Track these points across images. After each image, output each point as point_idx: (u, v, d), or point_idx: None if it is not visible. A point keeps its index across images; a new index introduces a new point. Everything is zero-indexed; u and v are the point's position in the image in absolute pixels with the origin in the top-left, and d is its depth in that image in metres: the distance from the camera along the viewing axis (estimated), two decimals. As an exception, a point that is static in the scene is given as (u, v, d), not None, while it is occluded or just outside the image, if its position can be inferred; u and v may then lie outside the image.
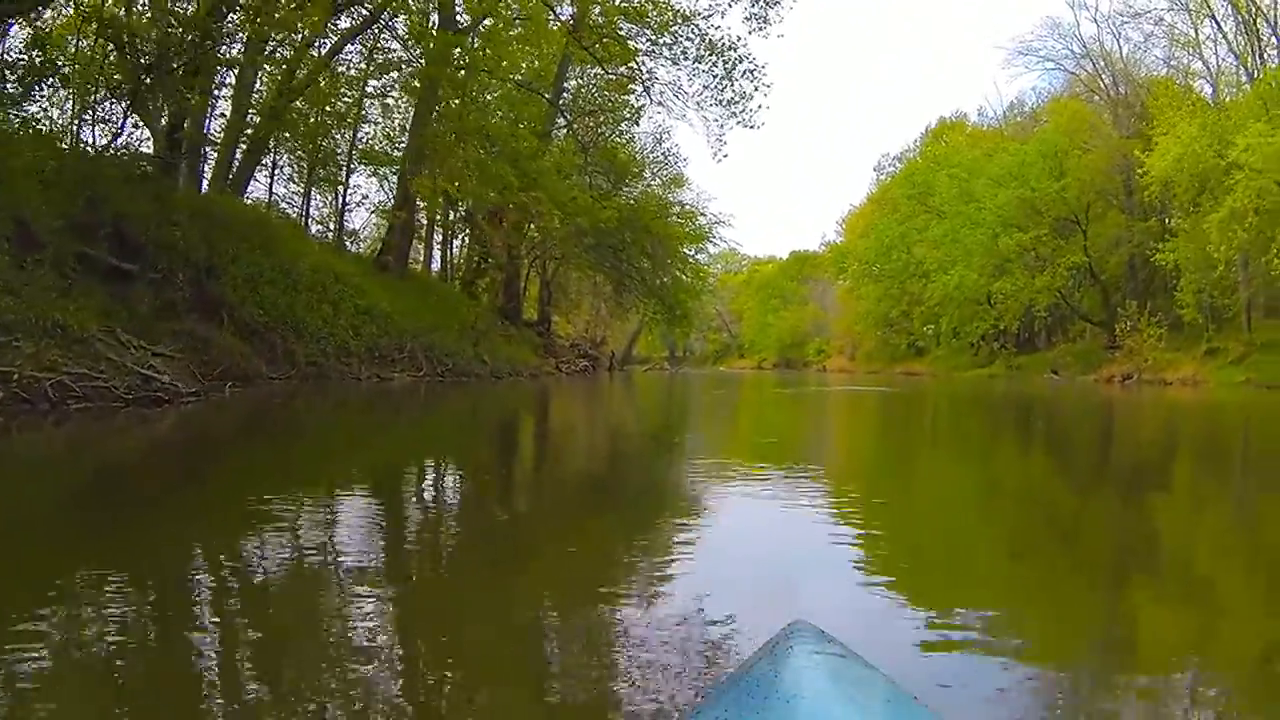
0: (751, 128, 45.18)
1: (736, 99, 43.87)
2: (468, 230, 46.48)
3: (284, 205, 40.81)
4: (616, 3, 41.01)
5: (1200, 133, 44.41)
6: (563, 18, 40.37)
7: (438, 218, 43.84)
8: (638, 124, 53.76)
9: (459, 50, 34.88)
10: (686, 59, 43.27)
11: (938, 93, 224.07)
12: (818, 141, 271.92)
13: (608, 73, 43.45)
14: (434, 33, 32.35)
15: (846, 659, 2.16)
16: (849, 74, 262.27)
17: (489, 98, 42.78)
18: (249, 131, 31.18)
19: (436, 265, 48.58)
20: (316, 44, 32.46)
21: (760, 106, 44.03)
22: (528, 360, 38.49)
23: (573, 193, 40.70)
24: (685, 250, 59.44)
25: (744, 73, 43.07)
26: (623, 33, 41.79)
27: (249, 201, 34.41)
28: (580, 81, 50.15)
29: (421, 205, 40.26)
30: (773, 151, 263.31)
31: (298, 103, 32.25)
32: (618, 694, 3.49)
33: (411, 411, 20.01)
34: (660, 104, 47.29)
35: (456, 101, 37.05)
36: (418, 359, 28.59)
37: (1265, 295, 50.84)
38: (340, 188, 42.13)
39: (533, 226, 49.50)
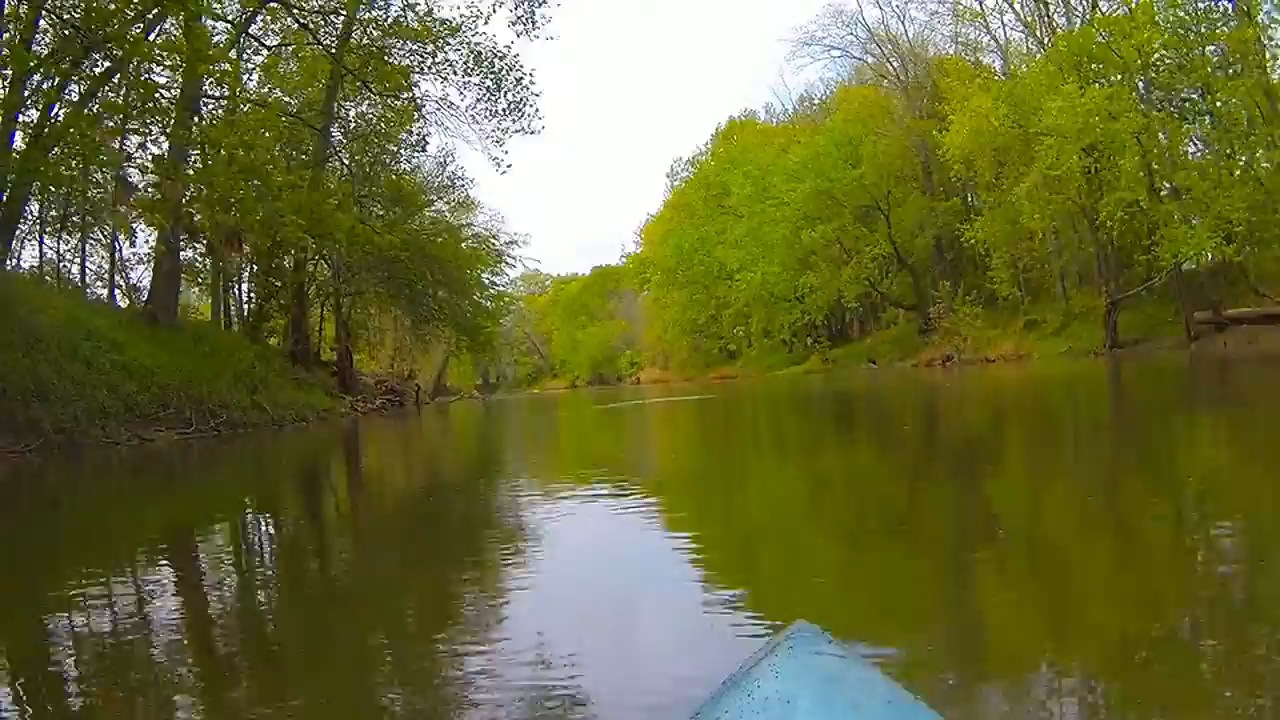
0: (532, 133, 43.69)
1: (511, 109, 42.52)
2: (249, 269, 43.93)
3: (64, 263, 38.62)
4: (373, 14, 39.15)
5: (995, 104, 44.48)
6: (325, 42, 38.61)
7: (220, 263, 41.11)
8: (423, 150, 51.97)
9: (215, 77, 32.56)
10: (455, 73, 41.67)
11: (726, 94, 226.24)
12: (610, 155, 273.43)
13: (374, 93, 41.30)
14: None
15: (847, 660, 2.17)
16: (633, 84, 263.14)
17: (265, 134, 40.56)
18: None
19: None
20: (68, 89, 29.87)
21: (536, 111, 42.61)
22: (318, 403, 35.88)
23: (350, 223, 38.53)
24: (482, 274, 58.81)
25: (514, 81, 41.65)
26: (389, 50, 40.01)
27: (24, 264, 32.73)
28: (359, 108, 47.80)
29: (197, 251, 38.03)
30: (566, 169, 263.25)
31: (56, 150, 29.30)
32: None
33: (181, 472, 17.64)
34: (436, 123, 45.97)
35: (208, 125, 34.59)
36: (185, 414, 25.90)
37: (1078, 263, 51.41)
38: (113, 240, 39.43)
39: (321, 263, 47.65)
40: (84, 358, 23.77)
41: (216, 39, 34.20)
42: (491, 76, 41.48)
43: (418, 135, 47.60)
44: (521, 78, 41.83)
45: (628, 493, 9.79)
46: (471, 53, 40.98)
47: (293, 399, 33.59)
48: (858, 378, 46.89)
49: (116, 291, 38.90)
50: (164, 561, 7.72)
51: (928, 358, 55.20)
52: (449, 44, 40.37)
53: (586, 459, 16.29)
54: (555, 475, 13.33)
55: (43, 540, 9.30)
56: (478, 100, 42.70)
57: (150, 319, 31.64)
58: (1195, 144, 45.19)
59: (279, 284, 42.41)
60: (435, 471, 16.02)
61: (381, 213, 48.91)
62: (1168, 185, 42.24)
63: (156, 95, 30.52)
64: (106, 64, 29.06)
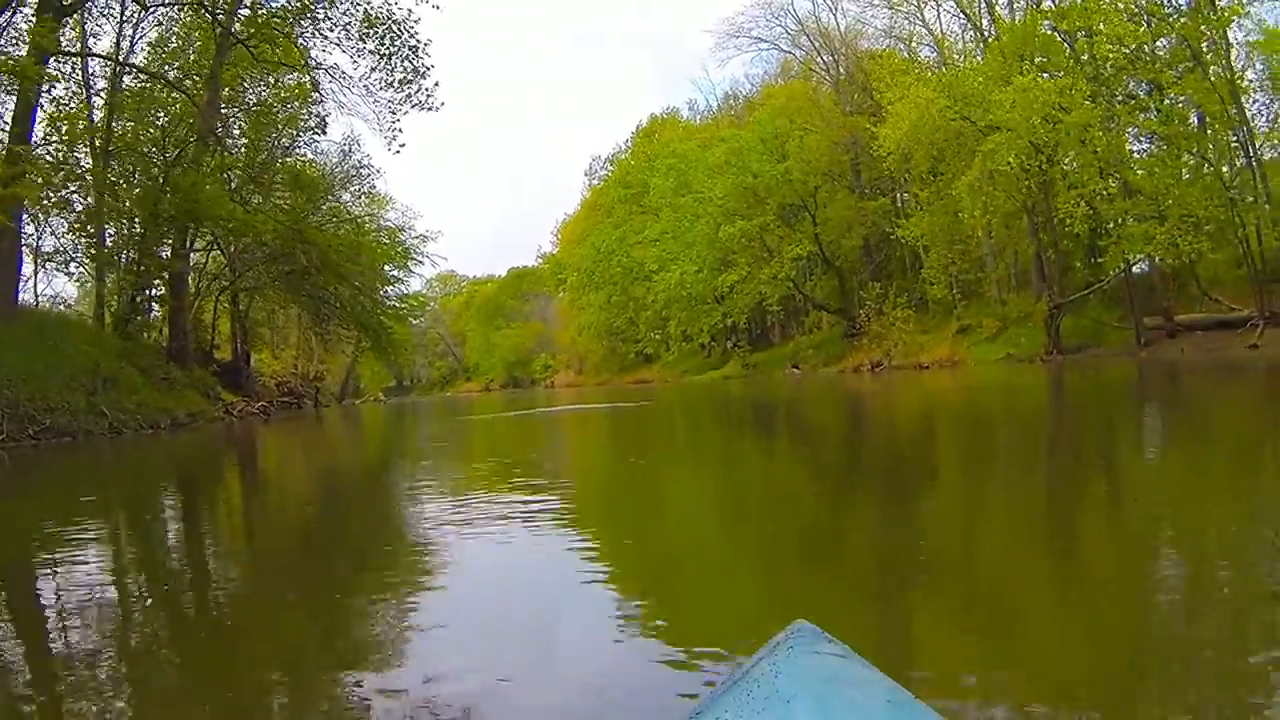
0: (429, 109, 41.09)
1: (408, 79, 39.88)
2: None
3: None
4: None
5: (936, 95, 42.60)
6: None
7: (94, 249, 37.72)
8: (323, 133, 49.55)
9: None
10: (349, 39, 39.10)
11: (650, 90, 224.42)
12: (528, 156, 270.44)
13: (258, 60, 38.14)
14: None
15: (847, 659, 2.16)
16: (556, 80, 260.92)
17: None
18: None
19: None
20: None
21: (436, 84, 40.06)
22: (184, 406, 32.36)
23: (226, 205, 35.46)
24: (390, 271, 56.52)
25: (409, 50, 39.37)
26: (279, 17, 37.14)
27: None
28: (255, 91, 44.64)
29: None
30: (486, 170, 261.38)
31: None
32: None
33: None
34: (335, 102, 43.57)
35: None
36: (-4, 420, 22.14)
37: (1015, 267, 50.33)
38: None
39: (217, 254, 44.88)
40: None
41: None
42: (386, 40, 39.06)
43: (316, 118, 45.20)
44: (416, 46, 39.45)
45: (535, 525, 7.95)
46: (364, 14, 38.53)
47: (147, 402, 29.99)
48: (780, 384, 45.33)
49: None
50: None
51: (854, 363, 54.02)
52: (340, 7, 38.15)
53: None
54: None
55: None
56: (372, 70, 40.23)
57: (-21, 309, 28.02)
58: (1140, 142, 44.00)
59: (157, 274, 39.14)
60: (262, 490, 13.50)
61: (281, 200, 46.54)
62: (1117, 184, 40.60)
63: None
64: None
